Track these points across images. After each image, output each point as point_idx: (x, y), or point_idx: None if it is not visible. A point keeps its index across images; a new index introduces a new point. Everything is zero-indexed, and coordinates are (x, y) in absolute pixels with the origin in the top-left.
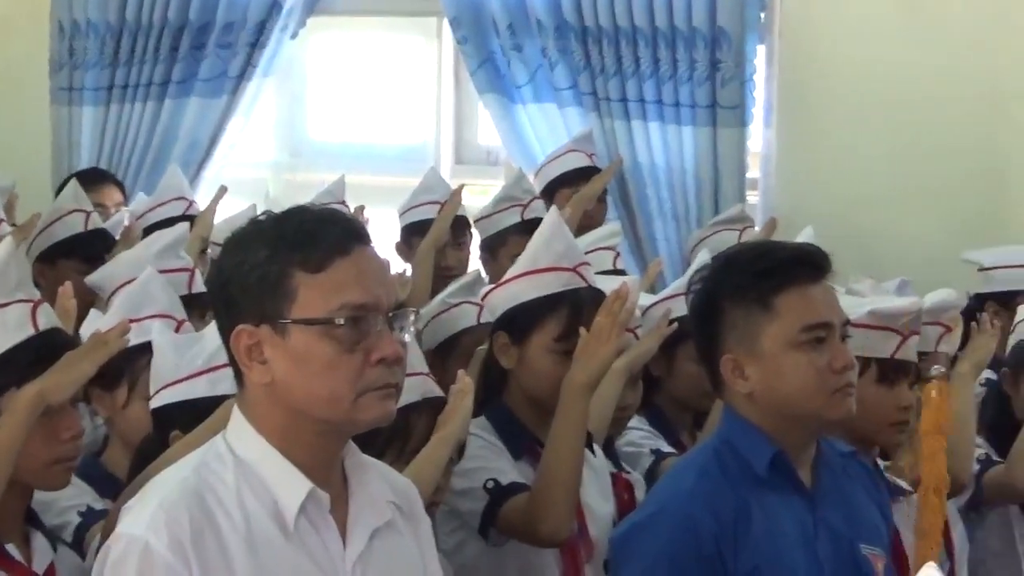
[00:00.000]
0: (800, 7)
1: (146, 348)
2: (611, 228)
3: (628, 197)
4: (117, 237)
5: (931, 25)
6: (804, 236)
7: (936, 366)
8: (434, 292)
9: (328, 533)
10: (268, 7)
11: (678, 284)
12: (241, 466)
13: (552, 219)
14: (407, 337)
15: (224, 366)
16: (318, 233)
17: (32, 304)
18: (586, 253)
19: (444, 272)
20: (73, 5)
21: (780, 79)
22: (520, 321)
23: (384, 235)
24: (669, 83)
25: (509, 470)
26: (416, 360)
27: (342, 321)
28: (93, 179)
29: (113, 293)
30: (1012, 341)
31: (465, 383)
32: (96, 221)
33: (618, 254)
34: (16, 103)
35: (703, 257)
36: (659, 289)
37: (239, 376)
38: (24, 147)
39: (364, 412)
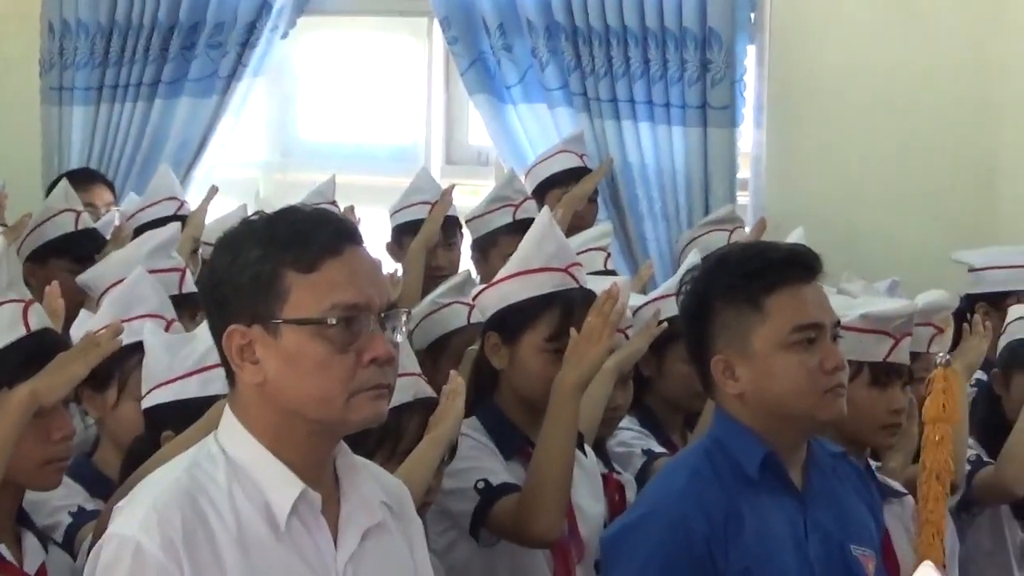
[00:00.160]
0: (790, 8)
1: (136, 348)
2: (602, 228)
3: (618, 197)
4: (108, 237)
5: (921, 26)
6: (795, 237)
7: (941, 353)
8: (425, 292)
9: (320, 533)
10: (258, 7)
11: (669, 285)
12: (233, 466)
13: (543, 220)
14: (399, 337)
15: (215, 366)
16: (310, 233)
17: (23, 304)
18: (578, 254)
19: (435, 272)
20: (63, 5)
21: (770, 80)
22: (511, 321)
23: (375, 235)
24: (659, 83)
25: (500, 470)
26: (408, 361)
27: (334, 321)
28: (83, 179)
29: (103, 293)
30: (1002, 342)
31: (457, 384)
32: (86, 221)
33: (609, 255)
34: (6, 103)
35: (694, 258)
36: (650, 290)
37: (231, 376)
38: (14, 147)
39: (356, 412)
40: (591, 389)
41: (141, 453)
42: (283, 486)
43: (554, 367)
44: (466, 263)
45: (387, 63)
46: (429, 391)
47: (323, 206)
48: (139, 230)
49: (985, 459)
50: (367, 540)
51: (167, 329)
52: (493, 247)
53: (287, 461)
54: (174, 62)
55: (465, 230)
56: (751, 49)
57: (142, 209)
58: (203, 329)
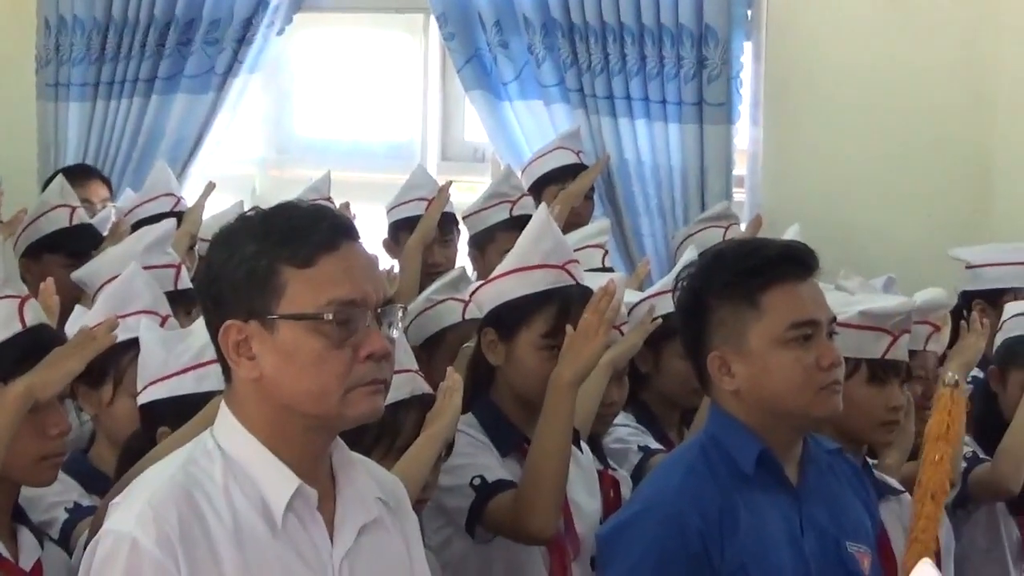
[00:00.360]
0: (787, 4)
1: (131, 345)
2: (600, 225)
3: (615, 194)
4: (104, 233)
5: (917, 22)
6: (791, 233)
7: (951, 373)
8: (421, 289)
9: (316, 529)
10: (255, 3)
11: (665, 281)
12: (229, 462)
13: (540, 217)
14: (395, 333)
15: (211, 362)
16: (306, 229)
17: (19, 300)
18: (576, 251)
19: (431, 269)
20: (59, 1)
21: (767, 76)
22: (508, 318)
23: (371, 231)
24: (656, 80)
25: (496, 467)
26: (405, 357)
27: (330, 317)
28: (80, 175)
29: (99, 289)
30: (999, 339)
31: (454, 380)
32: (82, 216)
33: (607, 252)
34: (2, 99)
35: (690, 254)
36: (647, 287)
37: (227, 372)
38: (10, 143)
39: (352, 408)
40: (586, 385)
41: (137, 449)
42: (279, 482)
43: (550, 364)
44: (463, 259)
45: (383, 60)
46: (426, 387)
47: (319, 202)
48: (136, 226)
49: (981, 456)
50: (363, 536)
51: (162, 325)
52: (490, 243)
53: (283, 457)
54: (170, 58)
55: (462, 226)
56: (747, 46)
57: (139, 205)
58: (199, 325)
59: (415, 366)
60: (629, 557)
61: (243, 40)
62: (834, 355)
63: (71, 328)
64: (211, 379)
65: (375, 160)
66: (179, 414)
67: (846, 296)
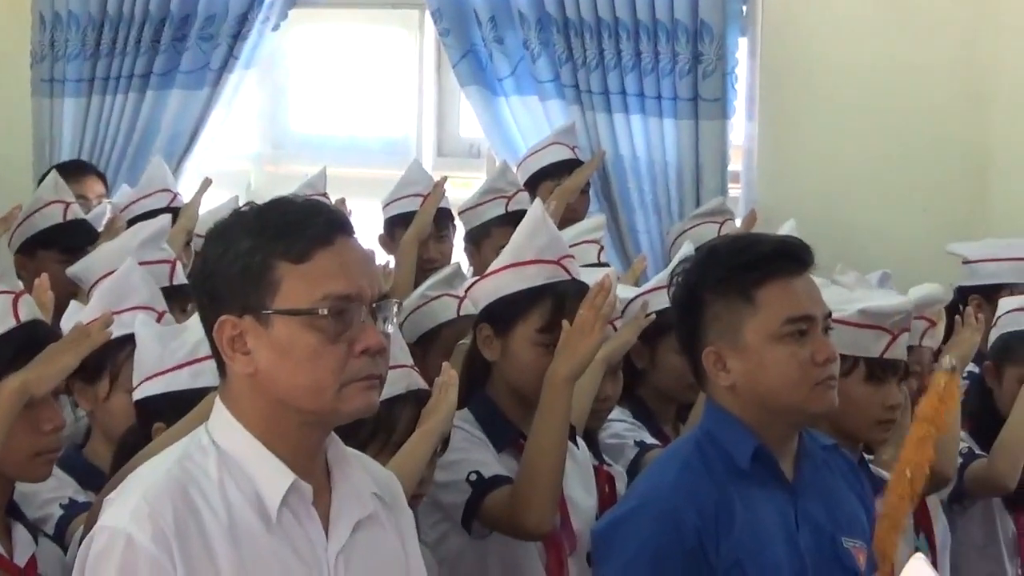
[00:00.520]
0: (782, 0)
1: (127, 340)
2: (596, 221)
3: (610, 190)
4: (100, 229)
5: (914, 18)
6: (786, 229)
7: (950, 358)
8: (417, 284)
9: (311, 525)
10: None
11: (661, 277)
12: (224, 458)
13: (536, 212)
14: (390, 328)
15: (207, 358)
16: (301, 224)
17: (13, 296)
18: (571, 246)
19: (426, 265)
20: None
21: (762, 72)
22: (503, 313)
23: (366, 227)
24: (651, 76)
25: (492, 462)
26: (400, 352)
27: (325, 312)
28: (75, 171)
29: (94, 285)
30: (994, 335)
31: (450, 376)
32: (76, 212)
33: (602, 247)
34: None
35: (686, 249)
36: (643, 283)
37: (222, 367)
38: (5, 139)
39: (347, 403)
40: (581, 381)
41: (132, 445)
42: (274, 477)
43: (546, 359)
44: (459, 255)
45: (379, 55)
46: (421, 383)
47: (314, 198)
48: (132, 222)
49: (977, 452)
50: (358, 532)
51: (158, 321)
52: (486, 238)
53: (278, 452)
54: (165, 54)
55: (457, 222)
56: (743, 41)
57: (135, 201)
58: (194, 321)
59: (410, 362)
60: (625, 553)
61: (238, 36)
62: (829, 350)
63: (66, 324)
64: (206, 375)
65: (371, 156)
66: (175, 410)
67: (845, 293)
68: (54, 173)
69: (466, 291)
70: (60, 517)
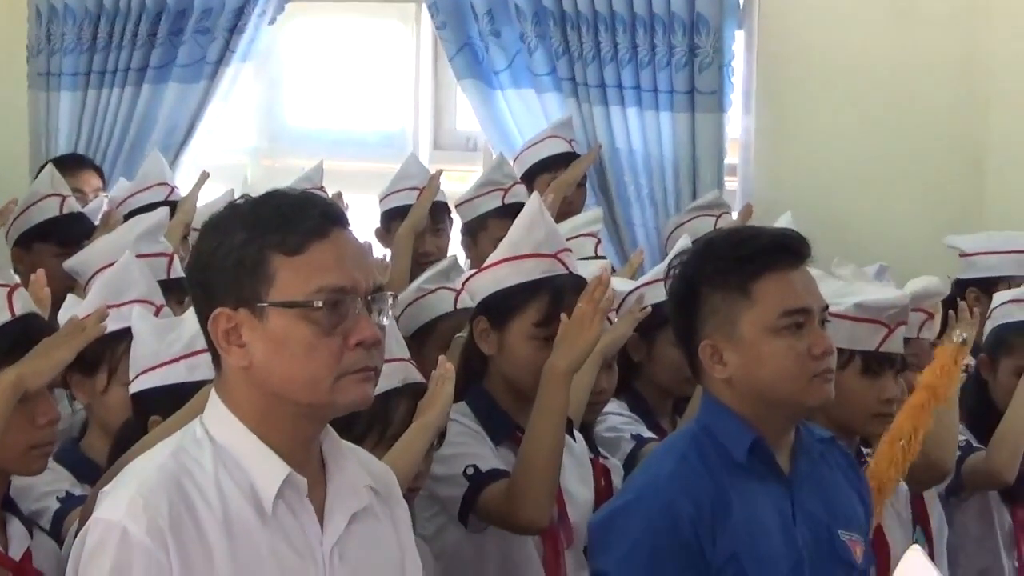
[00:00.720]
0: None
1: (126, 334)
2: (593, 214)
3: (606, 183)
4: (96, 223)
5: (910, 13)
6: (783, 222)
7: (960, 331)
8: (413, 278)
9: (306, 517)
10: None
11: (657, 270)
12: (219, 450)
13: (533, 206)
14: (385, 320)
15: (202, 351)
16: (296, 216)
17: (8, 289)
18: (568, 240)
19: (422, 258)
20: None
21: (759, 65)
22: (500, 307)
23: (363, 221)
24: (647, 69)
25: (489, 456)
26: (396, 346)
27: (320, 304)
28: (72, 164)
29: (91, 278)
30: (988, 327)
31: (446, 369)
32: (72, 205)
33: (599, 241)
34: None
35: (683, 242)
36: (640, 277)
37: (217, 360)
38: (1, 133)
39: (342, 395)
40: (577, 374)
41: (129, 438)
42: (269, 470)
43: (543, 353)
44: (455, 248)
45: (375, 49)
46: (418, 376)
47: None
48: (129, 216)
49: (975, 445)
50: (353, 524)
51: (156, 314)
52: (482, 231)
53: (273, 445)
54: (162, 48)
55: (454, 215)
56: (739, 34)
57: (133, 195)
58: (190, 314)
59: (407, 355)
60: (621, 546)
61: (235, 29)
62: (826, 343)
63: (64, 317)
64: (202, 368)
65: (367, 149)
66: (171, 403)
67: (842, 286)
68: (50, 167)
69: (463, 284)
70: (57, 510)
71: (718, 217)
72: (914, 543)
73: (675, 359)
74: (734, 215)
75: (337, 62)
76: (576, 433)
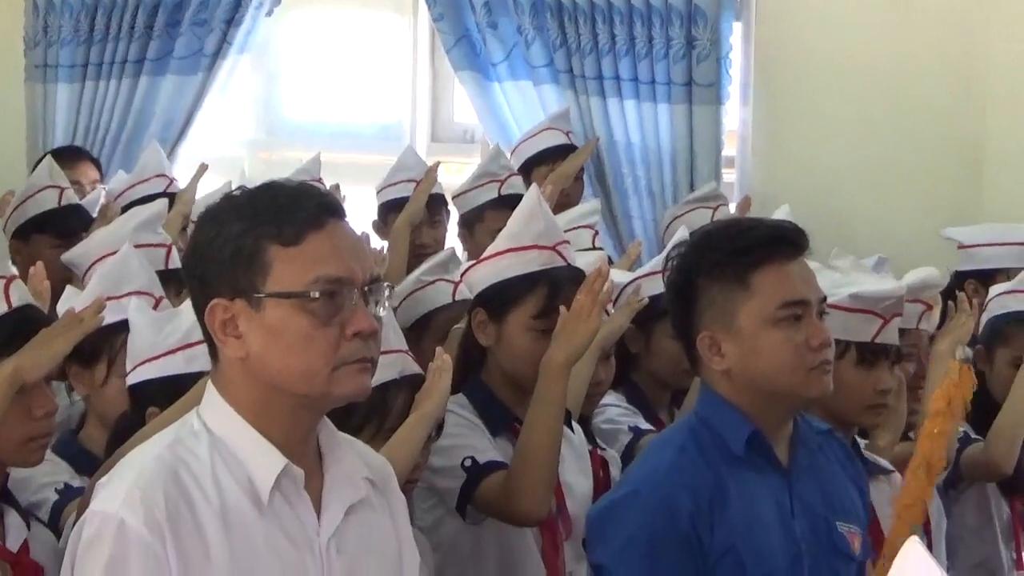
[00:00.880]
0: None
1: (125, 325)
2: (590, 206)
3: (604, 175)
4: (94, 215)
5: (908, 6)
6: (780, 214)
7: (963, 348)
8: (410, 270)
9: (303, 508)
10: None
11: (655, 262)
12: (215, 442)
13: (531, 198)
14: (382, 311)
15: (200, 343)
16: (292, 207)
17: (5, 280)
18: (565, 231)
19: (419, 250)
20: None
21: (756, 57)
22: (498, 299)
23: (360, 213)
24: (645, 61)
25: (487, 447)
26: (394, 337)
27: (317, 294)
28: (70, 156)
29: (88, 270)
30: (984, 319)
31: (444, 361)
32: (70, 197)
33: (597, 232)
34: None
35: (681, 234)
36: (637, 269)
37: (213, 351)
38: None
39: (340, 386)
40: (576, 366)
41: (126, 430)
42: (266, 461)
43: (541, 345)
44: (452, 240)
45: (372, 41)
46: (416, 368)
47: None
48: (128, 207)
49: (973, 436)
50: (350, 516)
51: (155, 306)
52: (479, 222)
53: (270, 436)
54: (159, 40)
55: (452, 207)
56: (737, 26)
57: (131, 187)
58: (187, 306)
59: (405, 347)
60: (619, 538)
61: (232, 21)
62: (824, 335)
63: (62, 309)
64: (200, 359)
65: (364, 141)
66: (168, 394)
67: (838, 277)
68: (48, 158)
69: (462, 276)
70: (55, 502)
71: (716, 209)
72: (912, 534)
73: (673, 351)
74: (732, 207)
75: (334, 54)
76: (575, 425)
